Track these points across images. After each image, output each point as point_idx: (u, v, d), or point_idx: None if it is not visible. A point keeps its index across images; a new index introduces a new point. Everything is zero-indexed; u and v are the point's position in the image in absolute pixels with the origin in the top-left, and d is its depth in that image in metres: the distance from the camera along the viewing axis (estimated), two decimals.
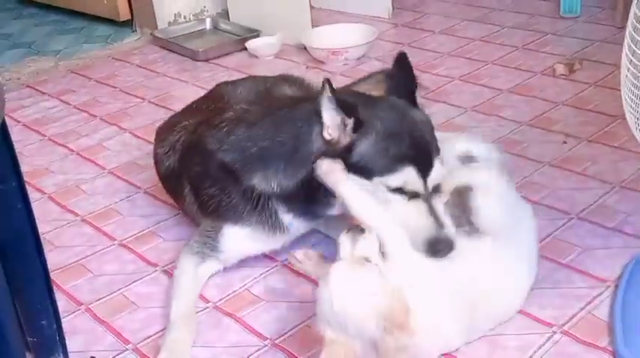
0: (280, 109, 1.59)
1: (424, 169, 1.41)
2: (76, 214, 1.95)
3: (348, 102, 1.43)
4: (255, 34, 3.03)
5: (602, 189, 1.81)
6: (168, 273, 1.67)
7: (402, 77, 1.55)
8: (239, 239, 1.60)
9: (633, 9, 1.19)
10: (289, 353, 1.42)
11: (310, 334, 1.45)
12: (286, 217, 1.58)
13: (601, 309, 1.45)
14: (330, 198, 1.46)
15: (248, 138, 1.57)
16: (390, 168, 1.40)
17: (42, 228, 1.44)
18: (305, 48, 2.88)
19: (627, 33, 1.22)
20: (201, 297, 1.59)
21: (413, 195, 1.41)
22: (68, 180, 2.13)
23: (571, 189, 1.84)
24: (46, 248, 1.60)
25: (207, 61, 2.92)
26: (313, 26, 2.97)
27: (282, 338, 1.45)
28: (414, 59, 2.50)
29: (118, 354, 1.46)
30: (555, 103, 2.29)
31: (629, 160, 1.87)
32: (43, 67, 3.02)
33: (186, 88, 2.71)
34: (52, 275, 1.39)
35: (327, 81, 1.40)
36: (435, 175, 1.43)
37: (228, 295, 1.59)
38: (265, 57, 2.90)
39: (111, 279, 1.68)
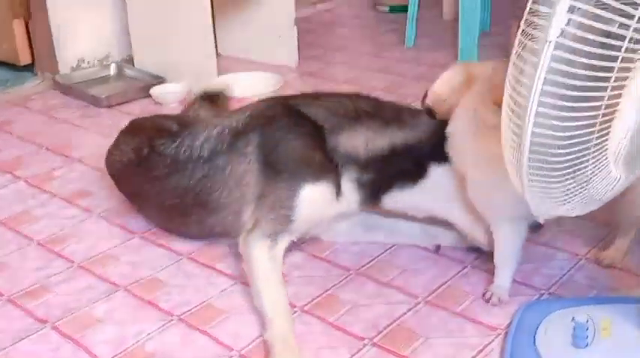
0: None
1: None
2: None
3: None
4: (159, 80, 3.00)
5: None
6: (58, 330, 1.60)
7: None
8: (315, 200, 1.60)
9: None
10: None
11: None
12: (348, 184, 1.62)
13: (492, 357, 1.48)
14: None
15: (339, 103, 1.66)
16: None
17: None
18: None
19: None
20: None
21: None
22: None
23: None
24: None
25: (109, 107, 2.88)
26: (219, 74, 2.98)
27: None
28: None
29: None
30: None
31: None
32: None
33: (87, 134, 2.65)
34: None
35: None
36: None
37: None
38: (170, 104, 2.87)
39: None
